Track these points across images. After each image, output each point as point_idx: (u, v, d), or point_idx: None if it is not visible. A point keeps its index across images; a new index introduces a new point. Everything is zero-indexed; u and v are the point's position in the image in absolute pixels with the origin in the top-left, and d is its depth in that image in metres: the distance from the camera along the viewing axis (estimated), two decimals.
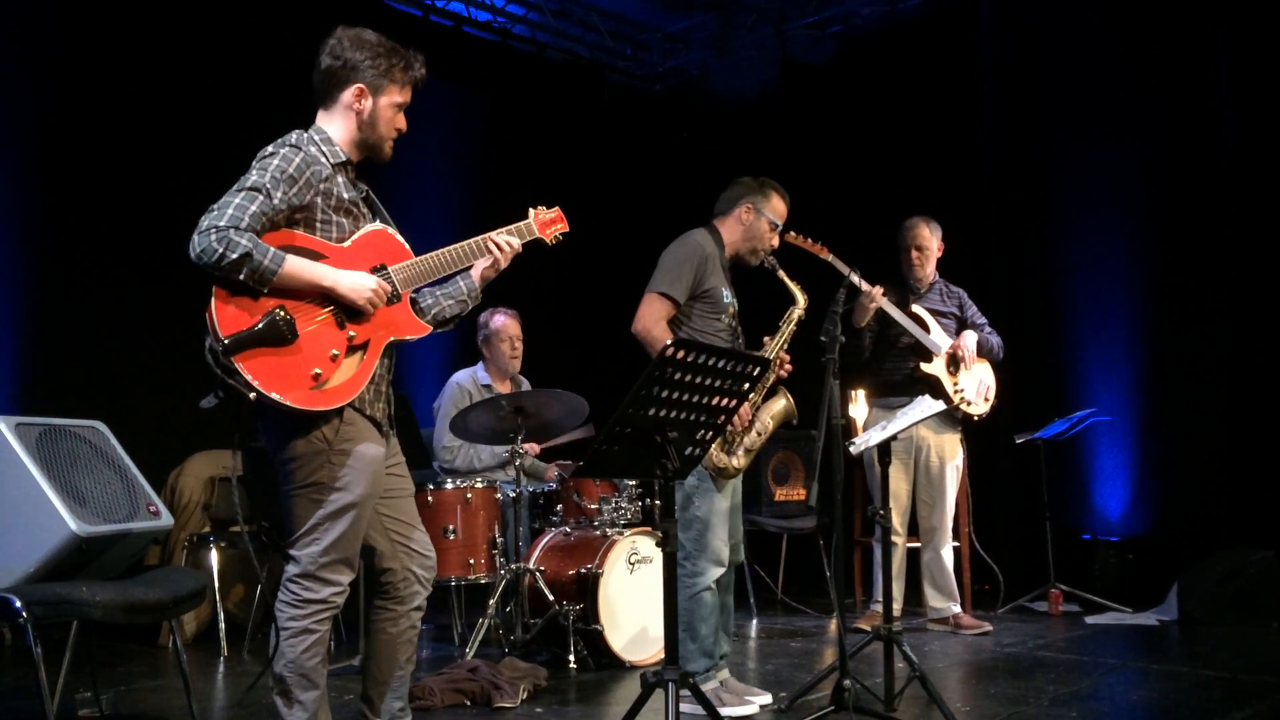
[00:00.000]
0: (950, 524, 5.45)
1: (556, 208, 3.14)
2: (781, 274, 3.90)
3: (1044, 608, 5.95)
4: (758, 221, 3.92)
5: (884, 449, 3.79)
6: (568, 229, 3.14)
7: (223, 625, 5.03)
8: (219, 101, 6.03)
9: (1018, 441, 6.16)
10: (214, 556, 5.12)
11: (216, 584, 5.05)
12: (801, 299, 3.90)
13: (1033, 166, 6.95)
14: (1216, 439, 6.16)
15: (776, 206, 3.95)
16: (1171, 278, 6.38)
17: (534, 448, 5.51)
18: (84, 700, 3.62)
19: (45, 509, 3.19)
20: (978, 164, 7.10)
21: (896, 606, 5.31)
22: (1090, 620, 5.63)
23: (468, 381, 5.46)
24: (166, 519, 3.65)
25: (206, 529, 5.31)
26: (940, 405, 3.87)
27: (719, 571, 3.75)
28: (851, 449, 3.78)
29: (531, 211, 3.10)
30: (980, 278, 5.66)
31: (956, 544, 5.66)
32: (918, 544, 5.53)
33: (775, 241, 3.97)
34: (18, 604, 2.88)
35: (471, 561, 4.78)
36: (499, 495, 4.89)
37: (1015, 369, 5.48)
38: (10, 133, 5.57)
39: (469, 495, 4.81)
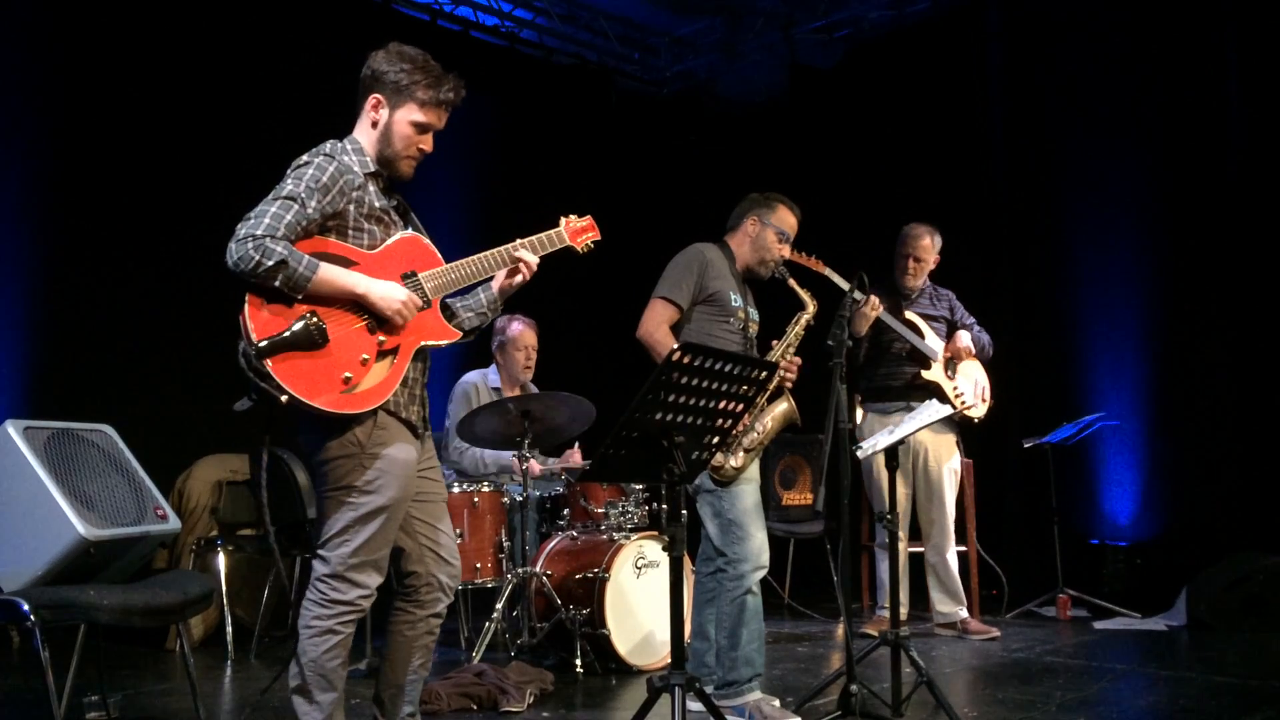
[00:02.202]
0: (951, 526, 5.43)
1: (589, 216, 3.18)
2: (791, 282, 3.92)
3: (1052, 613, 5.93)
4: (764, 233, 3.94)
5: (891, 453, 3.79)
6: (599, 237, 3.17)
7: (230, 629, 5.02)
8: (226, 107, 6.03)
9: (1025, 446, 6.15)
10: (221, 560, 5.11)
11: (224, 588, 5.05)
12: (811, 305, 3.91)
13: (1040, 170, 6.94)
14: (1225, 443, 6.14)
15: (783, 218, 3.97)
16: (1180, 281, 6.36)
17: (577, 454, 5.42)
18: (91, 704, 3.63)
19: (53, 513, 3.20)
20: (986, 168, 7.09)
21: (903, 611, 5.34)
22: (1098, 625, 5.61)
23: (479, 381, 5.43)
24: (174, 523, 3.66)
25: (214, 532, 5.31)
26: (947, 409, 3.87)
27: (760, 574, 3.73)
28: (859, 453, 3.78)
29: (563, 220, 3.13)
30: (988, 282, 5.64)
31: (963, 548, 5.65)
32: (919, 548, 5.51)
33: (785, 252, 3.99)
34: (25, 607, 2.89)
35: (478, 565, 4.77)
36: (506, 499, 4.89)
37: (1023, 373, 5.47)
38: (19, 137, 5.58)
39: (476, 499, 4.81)
